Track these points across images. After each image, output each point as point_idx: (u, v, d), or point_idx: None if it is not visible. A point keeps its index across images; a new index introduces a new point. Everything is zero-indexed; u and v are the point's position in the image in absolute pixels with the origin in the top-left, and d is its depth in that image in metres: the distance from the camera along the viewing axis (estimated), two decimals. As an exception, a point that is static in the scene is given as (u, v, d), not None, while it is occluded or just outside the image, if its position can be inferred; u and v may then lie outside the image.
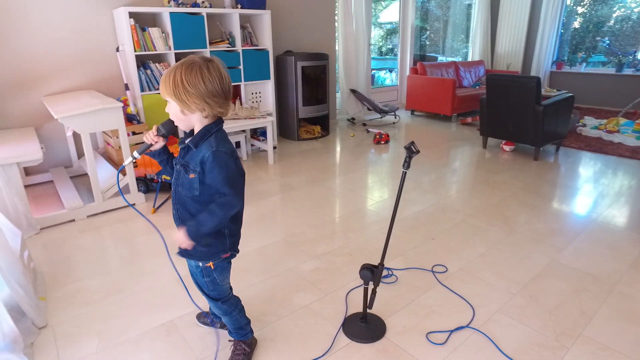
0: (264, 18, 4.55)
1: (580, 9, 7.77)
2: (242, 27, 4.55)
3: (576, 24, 7.87)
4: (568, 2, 7.66)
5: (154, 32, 3.81)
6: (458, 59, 8.65)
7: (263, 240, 2.65)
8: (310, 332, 1.86)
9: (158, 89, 3.96)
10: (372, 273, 1.72)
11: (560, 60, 7.89)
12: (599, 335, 1.82)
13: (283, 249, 2.56)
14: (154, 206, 3.14)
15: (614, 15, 7.38)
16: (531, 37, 7.85)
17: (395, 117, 6.16)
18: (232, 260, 1.60)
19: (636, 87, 6.82)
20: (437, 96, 6.11)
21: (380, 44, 8.82)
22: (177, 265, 2.37)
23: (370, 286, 1.78)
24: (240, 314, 1.65)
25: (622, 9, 7.28)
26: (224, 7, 4.42)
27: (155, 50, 3.85)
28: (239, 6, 4.47)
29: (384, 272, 2.27)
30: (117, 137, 3.32)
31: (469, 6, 8.32)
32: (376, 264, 1.74)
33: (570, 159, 4.36)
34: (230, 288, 1.64)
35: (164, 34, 3.89)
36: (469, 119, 6.00)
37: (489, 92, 4.45)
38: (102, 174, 3.36)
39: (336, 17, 5.70)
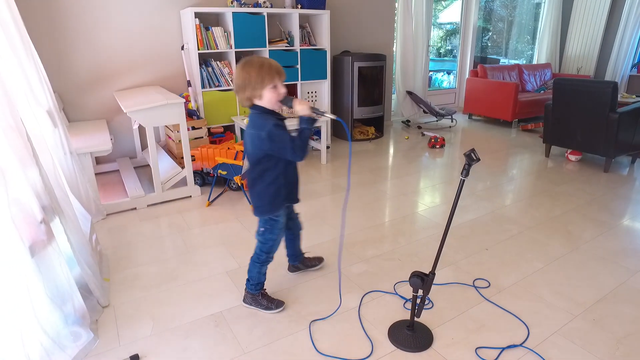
0: (323, 18, 4.58)
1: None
2: (301, 27, 4.61)
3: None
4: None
5: (216, 31, 3.96)
6: (522, 61, 8.22)
7: (312, 240, 2.67)
8: (355, 335, 1.84)
9: (218, 85, 4.11)
10: (423, 281, 1.68)
11: (642, 64, 7.25)
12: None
13: (332, 249, 2.56)
14: (208, 199, 3.27)
15: None
16: (608, 38, 7.27)
17: (452, 121, 5.96)
18: (276, 256, 2.02)
19: None
20: (498, 100, 5.84)
21: (439, 45, 8.57)
22: (233, 256, 2.44)
23: (420, 294, 1.74)
24: None
25: None
26: (285, 7, 4.49)
27: (217, 49, 4.00)
28: (299, 6, 4.53)
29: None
30: (177, 131, 3.49)
31: (538, 5, 7.87)
32: (426, 271, 1.69)
33: (646, 173, 4.01)
34: None
35: (226, 33, 4.02)
36: (531, 125, 5.68)
37: (556, 97, 4.19)
38: (162, 166, 3.55)
39: (396, 18, 5.62)
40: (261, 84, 1.65)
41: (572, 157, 4.36)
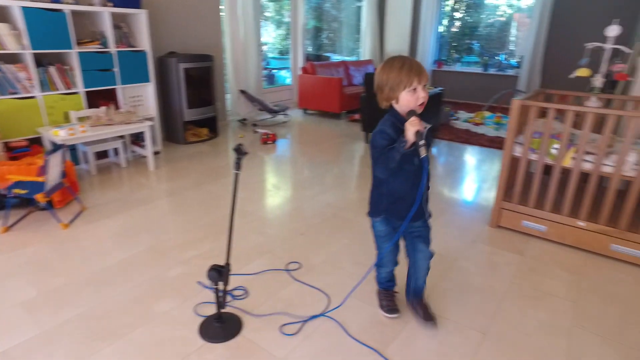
0: (139, 18, 4.35)
1: (458, 14, 8.59)
2: (117, 27, 4.30)
3: (455, 28, 8.70)
4: (447, 8, 8.42)
5: (1, 28, 3.44)
6: (354, 58, 9.05)
7: (128, 251, 2.55)
8: (166, 338, 1.84)
9: (14, 92, 3.59)
10: (220, 273, 1.76)
11: (440, 60, 8.67)
12: (437, 307, 2.05)
13: (149, 257, 2.49)
14: (5, 224, 2.86)
15: (489, 21, 8.27)
16: (414, 38, 8.51)
17: (286, 117, 6.29)
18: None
19: (498, 84, 7.75)
20: (326, 95, 6.35)
21: (283, 43, 8.91)
22: (32, 283, 2.18)
23: (220, 286, 1.82)
24: None
25: (490, 18, 8.19)
26: (92, 5, 4.13)
27: (6, 50, 3.48)
28: (110, 4, 4.21)
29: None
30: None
31: (360, 8, 8.75)
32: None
33: (440, 150, 4.82)
34: None
35: (16, 31, 3.53)
36: (357, 116, 6.33)
37: (367, 90, 4.74)
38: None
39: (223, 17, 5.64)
40: (398, 86, 1.56)
41: (386, 142, 5.00)
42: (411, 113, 1.55)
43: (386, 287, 2.07)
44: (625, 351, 1.82)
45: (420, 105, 1.58)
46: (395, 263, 1.99)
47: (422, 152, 1.49)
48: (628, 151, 2.34)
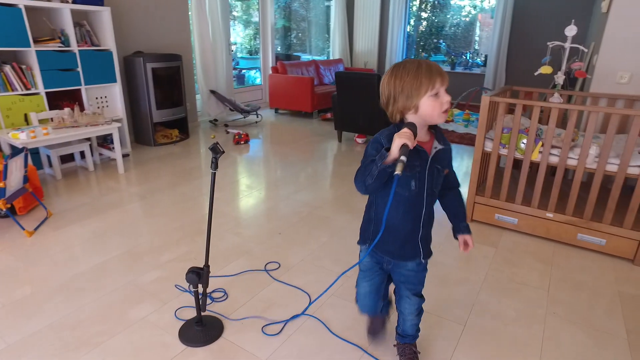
0: (103, 15, 4.19)
1: (424, 14, 8.76)
2: (79, 25, 4.13)
3: (422, 28, 8.87)
4: (413, 9, 8.58)
5: (-48, 27, 3.24)
6: (324, 57, 9.07)
7: (103, 256, 2.46)
8: (144, 345, 1.78)
9: (-32, 95, 3.38)
10: (199, 276, 1.72)
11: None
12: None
13: (125, 262, 2.41)
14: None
15: (454, 21, 8.48)
16: (383, 38, 8.62)
17: (257, 117, 6.23)
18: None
19: (466, 82, 7.95)
20: (298, 94, 6.34)
21: (252, 43, 8.81)
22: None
23: (200, 289, 1.78)
24: None
25: (456, 18, 8.41)
26: (50, 1, 3.94)
27: (-43, 49, 3.28)
28: (70, 1, 4.03)
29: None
30: None
31: (329, 7, 8.78)
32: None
33: (412, 148, 4.90)
34: None
35: (-33, 30, 3.33)
36: (329, 115, 6.35)
37: (338, 89, 4.76)
38: None
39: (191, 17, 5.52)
40: (417, 91, 1.24)
41: (359, 140, 5.04)
42: (409, 124, 1.24)
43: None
44: (594, 334, 1.91)
45: (444, 112, 1.27)
46: (375, 311, 1.70)
47: (398, 168, 1.18)
48: (589, 144, 2.46)
